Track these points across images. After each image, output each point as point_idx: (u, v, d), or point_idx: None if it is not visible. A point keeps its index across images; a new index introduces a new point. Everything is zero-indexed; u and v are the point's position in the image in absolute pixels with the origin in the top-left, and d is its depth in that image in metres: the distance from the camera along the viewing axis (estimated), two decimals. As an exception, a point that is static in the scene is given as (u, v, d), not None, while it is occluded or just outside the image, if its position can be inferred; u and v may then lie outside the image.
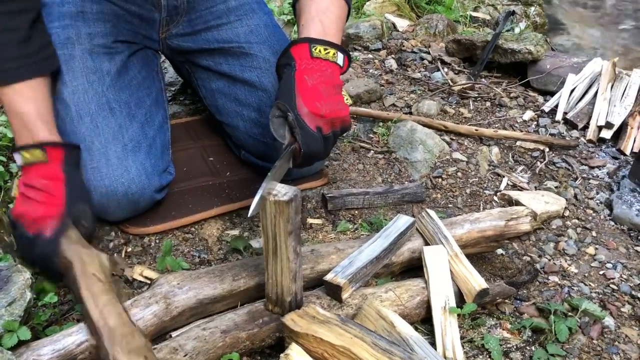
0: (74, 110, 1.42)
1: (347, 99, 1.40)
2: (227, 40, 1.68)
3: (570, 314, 1.34)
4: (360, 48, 2.53)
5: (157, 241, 1.49)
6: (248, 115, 1.67)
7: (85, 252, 1.19)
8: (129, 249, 1.47)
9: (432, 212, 1.44)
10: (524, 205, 1.67)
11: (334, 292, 1.22)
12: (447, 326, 1.23)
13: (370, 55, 2.48)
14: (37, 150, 1.26)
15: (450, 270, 1.32)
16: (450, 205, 1.72)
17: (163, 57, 1.90)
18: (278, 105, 1.22)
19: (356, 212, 1.66)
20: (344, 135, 1.86)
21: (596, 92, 2.12)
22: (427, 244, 1.40)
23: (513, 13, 2.65)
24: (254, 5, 1.73)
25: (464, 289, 1.28)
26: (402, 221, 1.40)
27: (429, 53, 2.49)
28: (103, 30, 1.52)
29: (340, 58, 1.30)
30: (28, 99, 1.30)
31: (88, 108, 1.44)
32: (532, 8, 3.09)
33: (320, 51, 1.27)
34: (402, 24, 2.69)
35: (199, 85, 1.79)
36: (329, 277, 1.23)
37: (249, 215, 1.09)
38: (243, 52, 1.67)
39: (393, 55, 2.48)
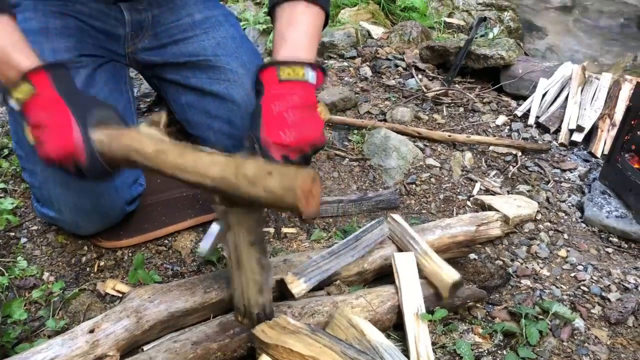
0: None
1: (324, 115, 1.39)
2: (194, 53, 1.68)
3: (541, 317, 1.36)
4: (335, 56, 2.55)
5: (130, 254, 1.49)
6: (219, 127, 1.66)
7: (129, 135, 1.12)
8: (102, 263, 1.46)
9: (396, 216, 1.45)
10: (497, 210, 1.70)
11: (285, 289, 1.24)
12: (419, 333, 1.24)
13: (346, 63, 2.50)
14: (24, 85, 1.14)
15: (422, 270, 1.33)
16: (424, 211, 1.74)
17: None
18: (248, 137, 1.21)
19: (331, 220, 1.67)
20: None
21: (567, 96, 2.15)
22: (399, 249, 1.41)
23: (485, 19, 2.68)
24: (220, 17, 1.73)
25: (439, 285, 1.29)
26: (370, 223, 1.42)
27: (403, 60, 2.51)
28: (67, 45, 1.51)
29: (310, 75, 1.24)
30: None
31: None
32: (506, 13, 3.13)
33: (288, 73, 1.22)
34: (377, 31, 2.71)
35: (169, 99, 1.79)
36: (277, 277, 1.24)
37: (202, 256, 1.08)
38: (210, 65, 1.66)
39: (368, 63, 2.50)
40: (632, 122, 1.69)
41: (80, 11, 1.55)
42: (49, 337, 1.21)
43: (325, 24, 1.39)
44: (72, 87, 1.19)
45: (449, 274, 1.29)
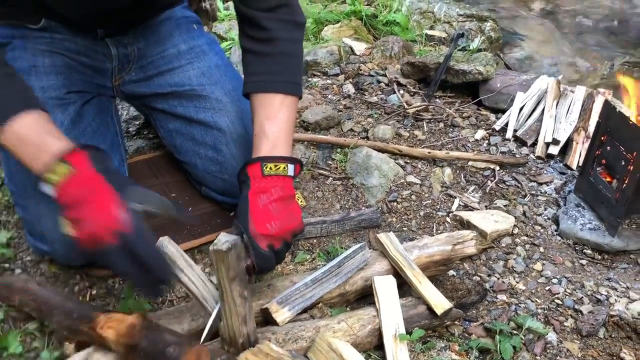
0: None
1: (301, 202, 1.47)
2: (180, 83, 1.74)
3: (515, 332, 1.42)
4: (319, 74, 2.61)
5: (121, 282, 1.55)
6: (205, 153, 1.73)
7: None
8: (94, 292, 1.52)
9: (390, 234, 1.52)
10: (475, 225, 1.76)
11: (269, 317, 1.30)
12: (397, 353, 1.30)
13: (329, 81, 2.56)
14: (60, 165, 1.14)
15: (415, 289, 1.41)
16: (405, 229, 1.80)
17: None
18: (235, 225, 1.30)
19: (314, 241, 1.73)
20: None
21: (543, 109, 2.22)
22: (392, 266, 1.48)
23: (462, 35, 2.74)
24: (205, 47, 1.80)
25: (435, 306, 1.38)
26: (352, 248, 1.48)
27: (385, 75, 2.57)
28: (55, 82, 1.57)
29: (290, 169, 1.35)
30: (29, 125, 1.20)
31: None
32: (487, 23, 3.18)
33: (271, 168, 1.32)
34: (360, 47, 2.77)
35: (157, 125, 1.85)
36: (261, 302, 1.31)
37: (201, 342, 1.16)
38: (196, 94, 1.73)
39: (351, 80, 2.55)
40: (602, 138, 1.76)
41: (68, 48, 1.61)
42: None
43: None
44: (109, 165, 1.21)
45: (440, 303, 1.37)
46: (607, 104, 1.74)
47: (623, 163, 1.67)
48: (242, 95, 1.49)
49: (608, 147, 1.74)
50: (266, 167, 1.32)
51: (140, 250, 1.12)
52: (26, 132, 1.19)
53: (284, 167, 1.34)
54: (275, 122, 1.39)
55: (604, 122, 1.74)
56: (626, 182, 1.66)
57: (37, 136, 1.19)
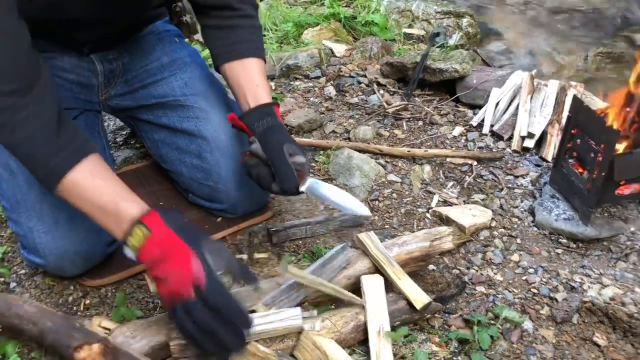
0: (22, 180, 1.51)
1: None
2: (164, 95, 1.79)
3: (492, 322, 1.49)
4: (300, 77, 2.66)
5: (114, 290, 1.60)
6: (190, 161, 1.78)
7: None
8: (87, 301, 1.57)
9: (371, 234, 1.58)
10: (454, 220, 1.83)
11: None
12: (380, 349, 1.36)
13: (311, 84, 2.62)
14: (138, 229, 1.20)
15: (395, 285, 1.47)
16: (387, 226, 1.86)
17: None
18: (292, 148, 1.45)
19: (300, 242, 1.78)
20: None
21: (518, 104, 2.28)
22: (374, 265, 1.54)
23: (438, 34, 2.81)
24: (187, 59, 1.85)
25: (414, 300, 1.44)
26: (335, 249, 1.54)
27: (365, 76, 2.63)
28: None
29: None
30: (99, 187, 1.28)
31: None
32: (464, 19, 3.25)
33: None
34: (340, 49, 2.83)
35: (143, 136, 1.90)
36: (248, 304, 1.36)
37: None
38: (180, 105, 1.79)
39: (332, 82, 2.61)
40: (573, 131, 1.82)
41: (54, 66, 1.66)
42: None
43: None
44: (180, 222, 1.26)
45: (419, 298, 1.43)
46: (575, 98, 1.81)
47: (592, 155, 1.74)
48: (218, 66, 1.64)
49: (578, 140, 1.81)
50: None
51: (215, 302, 1.17)
52: (99, 199, 1.27)
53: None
54: (263, 77, 1.61)
55: (573, 115, 1.81)
56: (596, 173, 1.73)
57: (112, 203, 1.25)
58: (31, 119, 1.25)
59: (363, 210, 1.52)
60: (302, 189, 1.47)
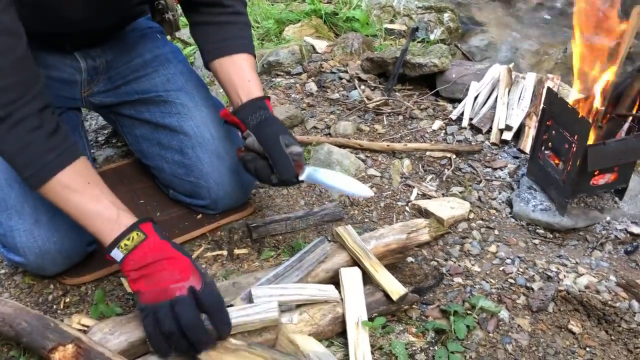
0: (3, 179, 1.51)
1: None
2: (146, 91, 1.80)
3: (469, 312, 1.51)
4: (282, 74, 2.67)
5: (94, 288, 1.60)
6: (171, 157, 1.79)
7: None
8: (67, 299, 1.58)
9: (348, 227, 1.59)
10: (433, 213, 1.85)
11: None
12: (358, 339, 1.38)
13: (292, 80, 2.63)
14: (135, 233, 1.26)
15: (372, 278, 1.49)
16: (366, 220, 1.88)
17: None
18: (288, 139, 1.49)
19: (280, 237, 1.80)
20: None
21: (497, 97, 2.30)
22: (351, 258, 1.55)
23: (417, 29, 2.83)
24: (169, 55, 1.86)
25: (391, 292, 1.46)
26: (312, 242, 1.55)
27: (346, 72, 2.64)
28: None
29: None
30: (92, 196, 1.31)
31: (16, 175, 1.54)
32: (446, 14, 3.27)
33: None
34: (321, 45, 2.84)
35: (124, 132, 1.91)
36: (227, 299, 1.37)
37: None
38: (162, 100, 1.80)
39: (313, 78, 2.63)
40: (548, 123, 1.85)
41: (37, 63, 1.66)
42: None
43: None
44: (165, 234, 1.33)
45: (396, 289, 1.45)
46: (549, 90, 1.84)
47: (567, 146, 1.77)
48: (208, 62, 1.67)
49: (553, 132, 1.83)
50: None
51: (210, 303, 1.22)
52: (92, 206, 1.30)
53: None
54: (254, 72, 1.65)
55: (548, 107, 1.83)
56: (570, 163, 1.76)
57: (107, 211, 1.30)
58: (26, 118, 1.27)
59: (365, 191, 1.56)
60: (302, 177, 1.51)
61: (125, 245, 1.26)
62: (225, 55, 1.64)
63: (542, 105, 1.87)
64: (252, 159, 1.53)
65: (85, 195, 1.31)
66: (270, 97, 2.49)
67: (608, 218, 1.86)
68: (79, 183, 1.31)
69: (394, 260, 1.64)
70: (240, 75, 1.62)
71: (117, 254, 1.27)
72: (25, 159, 1.29)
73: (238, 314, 1.31)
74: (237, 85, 1.61)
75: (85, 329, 1.46)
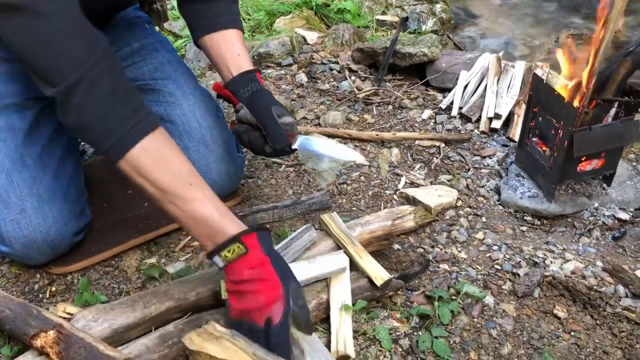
0: None
1: None
2: (134, 79, 1.80)
3: (454, 297, 1.51)
4: (272, 65, 2.67)
5: (80, 277, 1.61)
6: None
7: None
8: (53, 289, 1.58)
9: (334, 214, 1.60)
10: (420, 201, 1.85)
11: (220, 301, 1.35)
12: (341, 323, 1.38)
13: (283, 71, 2.63)
14: (236, 245, 1.21)
15: (357, 264, 1.49)
16: (354, 209, 1.88)
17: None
18: (280, 110, 1.51)
19: (268, 226, 1.80)
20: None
21: (486, 86, 2.30)
22: (336, 245, 1.55)
23: (407, 19, 2.82)
24: (157, 44, 1.86)
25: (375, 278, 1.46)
26: (299, 230, 1.56)
27: (337, 63, 2.64)
28: (13, 89, 1.60)
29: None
30: (201, 200, 1.24)
31: (2, 165, 1.53)
32: (438, 5, 3.26)
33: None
34: (312, 36, 2.83)
35: (114, 122, 1.91)
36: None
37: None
38: (149, 89, 1.80)
39: (304, 69, 2.62)
40: (535, 109, 1.84)
41: None
42: (6, 362, 1.33)
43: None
44: (273, 249, 1.28)
45: (379, 275, 1.45)
46: (535, 76, 1.83)
47: (553, 132, 1.76)
48: (198, 39, 1.66)
49: (540, 118, 1.83)
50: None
51: (276, 342, 1.19)
52: (200, 210, 1.23)
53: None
54: (243, 46, 1.64)
55: (534, 93, 1.83)
56: (557, 149, 1.75)
57: (213, 217, 1.23)
58: (99, 80, 1.21)
59: (356, 156, 1.58)
60: (295, 146, 1.53)
61: (226, 257, 1.21)
62: (214, 31, 1.64)
63: (529, 92, 1.86)
64: (245, 131, 1.54)
65: (202, 202, 1.24)
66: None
67: (596, 204, 1.86)
68: (163, 152, 1.26)
69: (380, 247, 1.64)
70: (230, 50, 1.62)
71: (218, 261, 1.23)
72: (105, 127, 1.22)
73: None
74: (228, 60, 1.61)
75: (70, 316, 1.47)
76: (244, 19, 3.05)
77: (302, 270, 1.43)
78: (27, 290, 1.58)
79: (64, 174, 1.64)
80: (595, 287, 1.56)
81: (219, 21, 1.65)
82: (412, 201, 1.87)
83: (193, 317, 1.37)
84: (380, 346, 1.39)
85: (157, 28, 2.01)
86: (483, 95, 2.29)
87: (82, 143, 2.21)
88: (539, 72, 2.21)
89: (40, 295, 1.56)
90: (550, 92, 1.74)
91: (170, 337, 1.30)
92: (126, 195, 1.88)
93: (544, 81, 1.78)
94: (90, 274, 1.62)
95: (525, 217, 1.85)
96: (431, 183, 1.98)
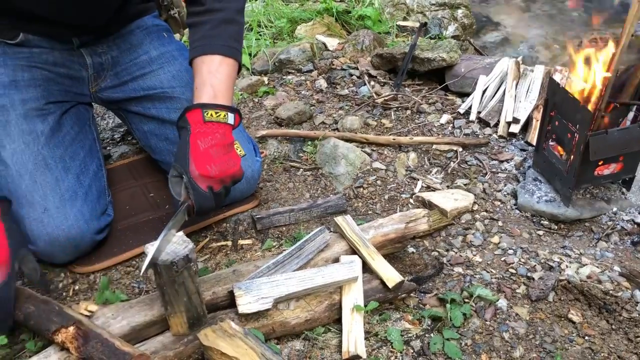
0: (14, 170, 1.59)
1: (239, 151, 1.61)
2: (152, 87, 1.86)
3: (466, 300, 1.52)
4: (293, 71, 2.71)
5: (103, 277, 1.66)
6: None
7: None
8: (77, 287, 1.63)
9: (347, 217, 1.62)
10: (437, 205, 1.86)
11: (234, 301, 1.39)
12: (352, 324, 1.40)
13: (303, 77, 2.66)
14: None
15: (369, 265, 1.51)
16: (370, 212, 1.90)
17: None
18: (175, 167, 1.43)
19: (283, 228, 1.83)
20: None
21: (505, 90, 2.30)
22: (349, 247, 1.57)
23: (425, 24, 2.83)
24: (175, 52, 1.92)
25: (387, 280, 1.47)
26: (313, 232, 1.58)
27: (357, 68, 2.67)
28: (35, 95, 1.69)
29: (230, 118, 1.48)
30: None
31: (26, 167, 1.61)
32: (459, 11, 3.26)
33: (212, 115, 1.45)
34: (333, 42, 2.87)
35: (133, 128, 1.97)
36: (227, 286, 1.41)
37: (141, 274, 1.26)
38: (168, 96, 1.85)
39: (323, 75, 2.66)
40: (551, 113, 1.84)
41: (46, 61, 1.74)
42: (29, 357, 1.38)
43: (238, 71, 1.65)
44: (10, 218, 1.42)
45: (392, 277, 1.46)
46: (551, 80, 1.83)
47: (569, 136, 1.76)
48: (190, 64, 1.63)
49: (556, 122, 1.82)
50: (207, 114, 1.44)
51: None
52: None
53: (224, 115, 1.47)
54: (216, 75, 1.54)
55: (551, 98, 1.83)
56: (573, 153, 1.75)
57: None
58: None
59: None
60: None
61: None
62: (193, 58, 1.61)
63: (545, 96, 1.86)
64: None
65: None
66: (280, 93, 2.52)
67: (614, 209, 1.84)
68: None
69: (394, 250, 1.65)
70: (197, 82, 1.57)
71: None
72: None
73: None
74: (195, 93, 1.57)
75: (91, 314, 1.52)
76: (266, 27, 3.10)
77: (314, 278, 1.45)
78: (51, 288, 1.63)
79: (86, 175, 1.70)
80: (611, 291, 1.55)
81: (197, 46, 1.60)
82: (428, 205, 1.88)
83: (209, 315, 1.41)
84: (392, 347, 1.40)
85: (177, 36, 2.07)
86: (502, 100, 2.28)
87: (107, 147, 2.28)
88: (558, 76, 2.21)
89: (64, 294, 1.62)
90: (566, 95, 1.74)
91: (186, 335, 1.34)
92: (148, 197, 1.94)
93: (560, 85, 1.78)
94: (111, 273, 1.67)
95: (542, 222, 1.84)
96: (448, 187, 1.98)
